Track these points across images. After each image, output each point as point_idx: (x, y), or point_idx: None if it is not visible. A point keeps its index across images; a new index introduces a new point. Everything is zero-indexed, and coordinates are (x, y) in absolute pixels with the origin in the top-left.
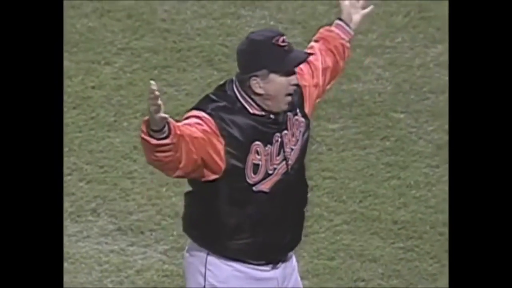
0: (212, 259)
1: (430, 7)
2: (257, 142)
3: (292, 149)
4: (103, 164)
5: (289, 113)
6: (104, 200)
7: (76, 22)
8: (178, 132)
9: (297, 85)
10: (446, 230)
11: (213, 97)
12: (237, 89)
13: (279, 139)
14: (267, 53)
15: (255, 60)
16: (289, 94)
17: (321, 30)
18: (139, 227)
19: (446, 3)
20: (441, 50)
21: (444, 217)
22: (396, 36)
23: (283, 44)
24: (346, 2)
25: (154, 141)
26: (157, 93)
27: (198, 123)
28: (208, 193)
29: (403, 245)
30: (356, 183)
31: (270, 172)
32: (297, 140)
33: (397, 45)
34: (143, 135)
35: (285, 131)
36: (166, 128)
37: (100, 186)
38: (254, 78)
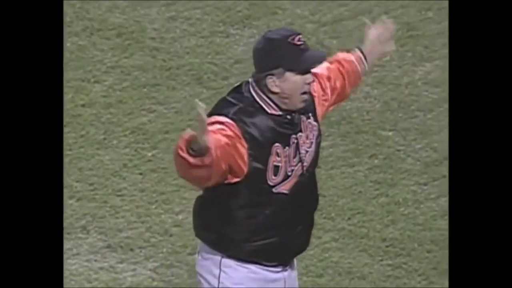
0: (227, 261)
1: (418, 25)
2: (277, 144)
3: (307, 151)
4: (93, 181)
5: (302, 116)
6: (93, 217)
7: (66, 41)
8: (218, 153)
9: (310, 93)
10: (434, 247)
11: (231, 100)
12: (254, 90)
13: (295, 141)
14: (283, 52)
15: (271, 59)
16: (305, 93)
17: (339, 53)
18: (129, 245)
19: (434, 22)
20: (429, 68)
21: (432, 234)
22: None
23: (299, 43)
24: (374, 33)
25: (192, 160)
26: (205, 117)
27: (222, 129)
28: (226, 196)
29: (392, 263)
30: (344, 201)
31: (289, 173)
32: (311, 143)
33: (385, 63)
34: (181, 153)
35: (300, 133)
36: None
37: (90, 204)
38: (270, 76)
